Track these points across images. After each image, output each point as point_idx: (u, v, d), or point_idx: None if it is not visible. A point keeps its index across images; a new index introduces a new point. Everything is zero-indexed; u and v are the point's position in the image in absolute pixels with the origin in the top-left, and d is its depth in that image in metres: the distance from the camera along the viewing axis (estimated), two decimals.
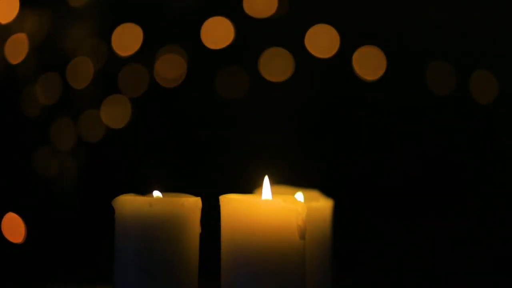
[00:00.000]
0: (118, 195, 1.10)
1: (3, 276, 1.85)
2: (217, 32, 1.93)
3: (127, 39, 1.93)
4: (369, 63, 1.90)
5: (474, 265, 1.86)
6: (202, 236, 1.12)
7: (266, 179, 1.11)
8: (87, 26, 1.93)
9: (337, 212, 1.28)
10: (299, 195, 1.23)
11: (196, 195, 1.12)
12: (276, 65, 1.93)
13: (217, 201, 1.09)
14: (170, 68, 1.94)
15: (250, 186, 1.13)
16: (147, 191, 1.14)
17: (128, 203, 1.08)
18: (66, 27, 1.93)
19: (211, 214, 1.12)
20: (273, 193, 1.11)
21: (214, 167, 1.95)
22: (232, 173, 1.84)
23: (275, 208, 1.05)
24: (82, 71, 1.93)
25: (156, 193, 1.13)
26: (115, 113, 1.94)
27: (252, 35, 1.94)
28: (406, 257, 1.88)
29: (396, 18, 1.91)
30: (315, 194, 1.27)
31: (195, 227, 1.10)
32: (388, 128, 1.93)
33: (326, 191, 1.29)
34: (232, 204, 1.07)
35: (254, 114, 1.95)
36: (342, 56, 1.90)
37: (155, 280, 1.07)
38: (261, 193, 1.11)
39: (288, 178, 1.37)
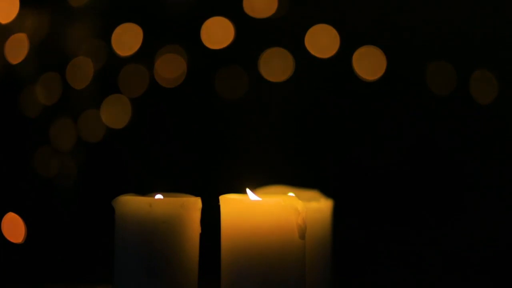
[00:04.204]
0: (118, 195, 1.10)
1: (3, 276, 1.85)
2: (217, 32, 1.93)
3: (127, 39, 1.93)
4: (369, 63, 1.90)
5: (474, 265, 1.86)
6: (202, 236, 1.12)
7: (249, 191, 1.11)
8: (87, 26, 1.93)
9: (337, 212, 1.28)
10: (291, 195, 1.23)
11: (196, 195, 1.12)
12: (276, 65, 1.93)
13: (217, 201, 1.09)
14: (170, 68, 1.94)
15: (250, 186, 1.13)
16: (147, 191, 1.14)
17: (128, 203, 1.08)
18: (66, 27, 1.93)
19: (211, 214, 1.12)
20: (271, 193, 1.11)
21: (214, 167, 1.95)
22: (232, 173, 1.84)
23: (275, 208, 1.05)
24: (82, 71, 1.93)
25: (158, 197, 1.13)
26: (115, 113, 1.94)
27: (252, 35, 1.94)
28: (406, 256, 1.88)
29: (396, 18, 1.91)
30: (315, 194, 1.27)
31: (195, 227, 1.10)
32: (388, 128, 1.93)
33: (326, 191, 1.29)
34: (232, 204, 1.07)
35: (254, 114, 1.95)
36: (342, 56, 1.90)
37: (155, 280, 1.07)
38: (261, 194, 1.11)
39: (287, 178, 1.37)
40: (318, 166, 1.95)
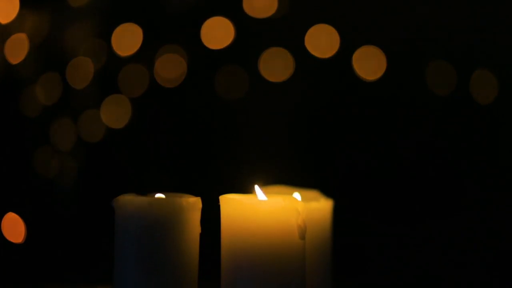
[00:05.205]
0: (118, 195, 1.10)
1: (3, 276, 1.86)
2: (217, 32, 1.93)
3: (127, 39, 1.93)
4: (369, 63, 1.90)
5: (474, 265, 1.86)
6: (202, 236, 1.12)
7: (257, 188, 1.11)
8: (87, 26, 1.93)
9: (337, 212, 1.28)
10: (297, 195, 1.23)
11: (196, 195, 1.12)
12: (276, 65, 1.93)
13: (217, 201, 1.09)
14: (170, 68, 1.94)
15: (250, 186, 1.13)
16: (147, 191, 1.14)
17: (128, 203, 1.08)
18: (66, 27, 1.93)
19: (211, 214, 1.12)
20: (271, 193, 1.11)
21: (214, 167, 1.95)
22: (232, 173, 1.84)
23: (275, 208, 1.05)
24: (82, 71, 1.93)
25: (159, 196, 1.13)
26: (115, 113, 1.94)
27: (252, 35, 1.94)
28: (406, 257, 1.88)
29: (397, 18, 1.91)
30: (315, 194, 1.27)
31: (195, 227, 1.10)
32: (388, 129, 1.93)
33: (326, 191, 1.29)
34: (232, 204, 1.07)
35: (254, 114, 1.95)
36: (342, 56, 1.90)
37: (155, 280, 1.07)
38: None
39: (287, 178, 1.37)
40: (318, 166, 1.95)
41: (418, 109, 1.92)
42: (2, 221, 1.86)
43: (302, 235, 1.06)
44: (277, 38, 1.93)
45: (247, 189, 1.14)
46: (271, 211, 1.05)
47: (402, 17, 1.91)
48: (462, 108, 1.90)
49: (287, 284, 1.05)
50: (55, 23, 1.92)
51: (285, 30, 1.93)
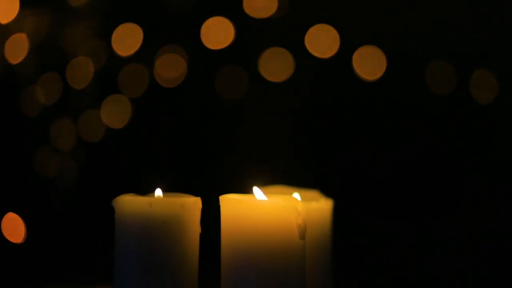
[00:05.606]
0: (118, 195, 1.10)
1: (3, 276, 1.85)
2: (217, 32, 1.93)
3: (127, 39, 1.93)
4: (369, 63, 1.90)
5: (473, 264, 1.86)
6: (202, 236, 1.12)
7: (256, 189, 1.11)
8: (87, 26, 1.93)
9: (337, 212, 1.28)
10: (296, 195, 1.23)
11: (196, 195, 1.12)
12: (276, 65, 1.92)
13: (217, 201, 1.09)
14: (170, 68, 1.94)
15: (250, 186, 1.13)
16: (148, 191, 1.14)
17: (128, 203, 1.08)
18: (66, 27, 1.93)
19: (211, 214, 1.12)
20: (271, 193, 1.11)
21: (214, 167, 1.95)
22: (232, 173, 1.84)
23: (275, 208, 1.05)
24: (82, 71, 1.93)
25: (158, 192, 1.13)
26: (115, 113, 1.94)
27: (252, 35, 1.94)
28: (406, 257, 1.88)
29: (396, 18, 1.91)
30: (315, 194, 1.27)
31: (195, 227, 1.10)
32: (388, 129, 1.93)
33: (326, 191, 1.29)
34: (232, 204, 1.07)
35: (254, 114, 1.95)
36: (342, 56, 1.90)
37: (155, 280, 1.07)
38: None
39: (287, 178, 1.37)
40: (318, 166, 1.95)
41: (418, 109, 1.92)
42: (2, 221, 1.86)
43: (302, 235, 1.06)
44: (277, 38, 1.93)
45: (247, 189, 1.14)
46: (271, 211, 1.05)
47: (402, 17, 1.91)
48: (462, 108, 1.90)
49: (287, 284, 1.05)
50: (55, 23, 1.92)
51: (285, 30, 1.93)
